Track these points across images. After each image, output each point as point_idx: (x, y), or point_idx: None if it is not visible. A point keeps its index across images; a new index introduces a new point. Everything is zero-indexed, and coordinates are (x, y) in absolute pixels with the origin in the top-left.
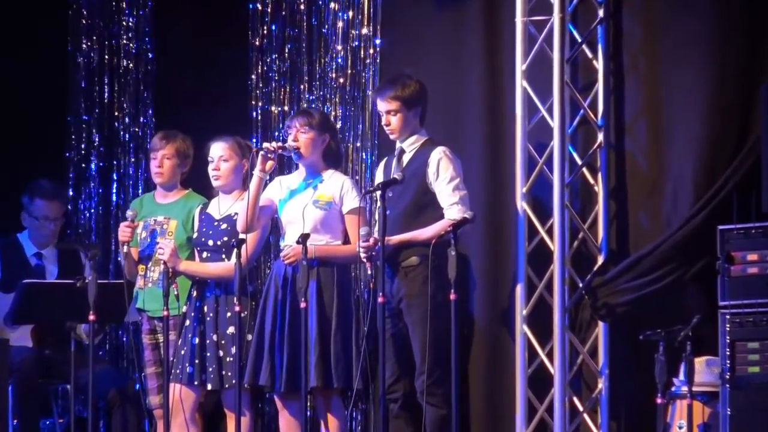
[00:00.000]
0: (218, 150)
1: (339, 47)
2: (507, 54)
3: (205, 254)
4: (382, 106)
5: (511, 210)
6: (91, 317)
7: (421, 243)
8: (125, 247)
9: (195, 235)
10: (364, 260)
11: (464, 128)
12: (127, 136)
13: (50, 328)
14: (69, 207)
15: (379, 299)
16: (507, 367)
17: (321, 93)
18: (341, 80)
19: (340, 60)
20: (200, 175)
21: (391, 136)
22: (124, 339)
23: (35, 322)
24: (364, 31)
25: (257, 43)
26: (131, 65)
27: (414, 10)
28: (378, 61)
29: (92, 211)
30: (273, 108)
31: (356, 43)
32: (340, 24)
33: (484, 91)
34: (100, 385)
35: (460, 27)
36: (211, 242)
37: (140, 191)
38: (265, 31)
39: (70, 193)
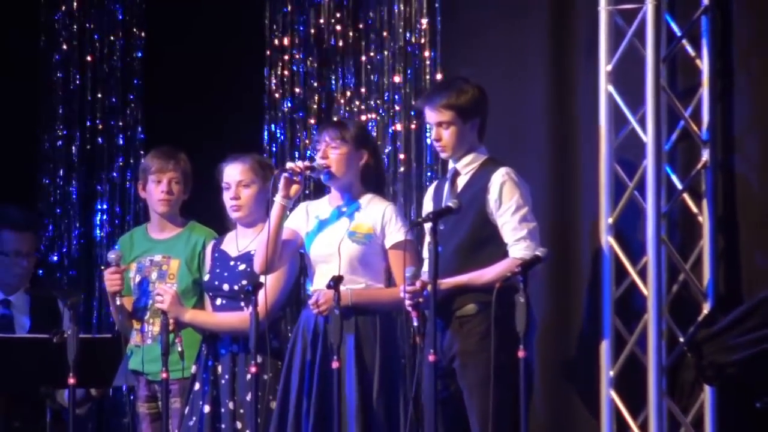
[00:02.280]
0: (236, 173)
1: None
2: (584, 51)
3: (219, 301)
4: (432, 116)
5: (583, 245)
6: (71, 380)
7: (480, 287)
8: (117, 299)
9: (207, 277)
10: (409, 308)
11: (526, 144)
12: (116, 154)
13: (20, 395)
14: (43, 243)
15: (430, 357)
16: None
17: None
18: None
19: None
20: (197, 204)
21: (442, 155)
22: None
23: (1, 388)
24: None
25: (276, 42)
26: (118, 65)
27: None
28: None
29: (72, 247)
30: (296, 119)
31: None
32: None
33: (552, 97)
34: None
35: (520, 15)
36: (226, 286)
37: (131, 223)
38: (287, 25)
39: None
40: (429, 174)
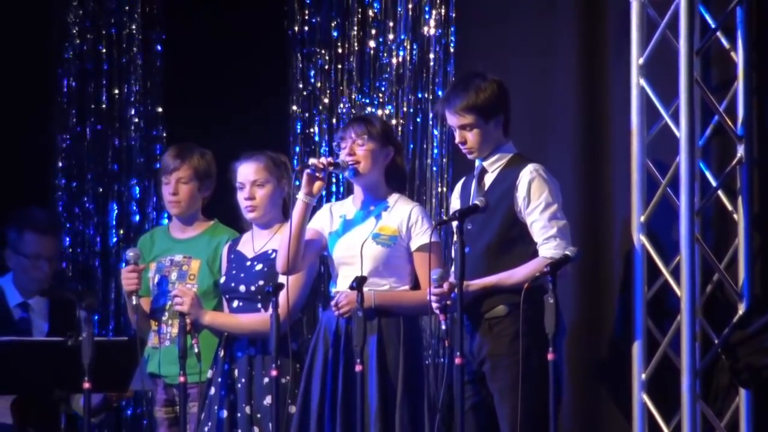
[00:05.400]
0: (249, 173)
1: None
2: (615, 43)
3: (235, 303)
4: (453, 120)
5: (614, 244)
6: (86, 385)
7: (509, 288)
8: (134, 298)
9: (222, 279)
10: (437, 311)
11: (554, 141)
12: (133, 153)
13: (34, 399)
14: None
15: (456, 360)
16: None
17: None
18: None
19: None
20: (224, 201)
21: (470, 157)
22: (131, 411)
23: (16, 393)
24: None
25: (296, 29)
26: (136, 61)
27: None
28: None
29: (87, 249)
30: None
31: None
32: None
33: (581, 91)
34: None
35: (547, 6)
36: (242, 288)
37: (148, 224)
38: (307, 17)
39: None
40: (434, 169)
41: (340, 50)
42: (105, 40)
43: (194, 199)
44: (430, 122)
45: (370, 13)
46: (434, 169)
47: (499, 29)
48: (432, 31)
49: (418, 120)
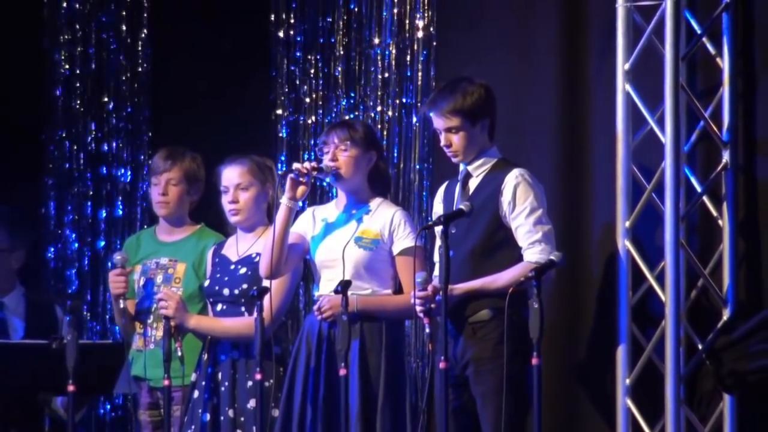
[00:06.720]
0: (233, 176)
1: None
2: (598, 48)
3: (219, 307)
4: (439, 122)
5: (592, 248)
6: (70, 387)
7: (494, 293)
8: (121, 302)
9: (207, 283)
10: (421, 315)
11: (533, 145)
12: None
13: (17, 402)
14: (50, 248)
15: (440, 364)
16: None
17: (361, 95)
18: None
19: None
20: (211, 205)
21: (454, 160)
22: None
23: None
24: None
25: (281, 35)
26: (122, 63)
27: None
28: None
29: (74, 251)
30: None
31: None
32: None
33: (562, 96)
34: None
35: (527, 6)
36: (226, 291)
37: (138, 226)
38: (292, 20)
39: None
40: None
41: (326, 54)
42: (93, 44)
43: (183, 201)
44: (415, 126)
45: (356, 17)
46: (416, 171)
47: (480, 33)
48: (418, 35)
49: (404, 124)
